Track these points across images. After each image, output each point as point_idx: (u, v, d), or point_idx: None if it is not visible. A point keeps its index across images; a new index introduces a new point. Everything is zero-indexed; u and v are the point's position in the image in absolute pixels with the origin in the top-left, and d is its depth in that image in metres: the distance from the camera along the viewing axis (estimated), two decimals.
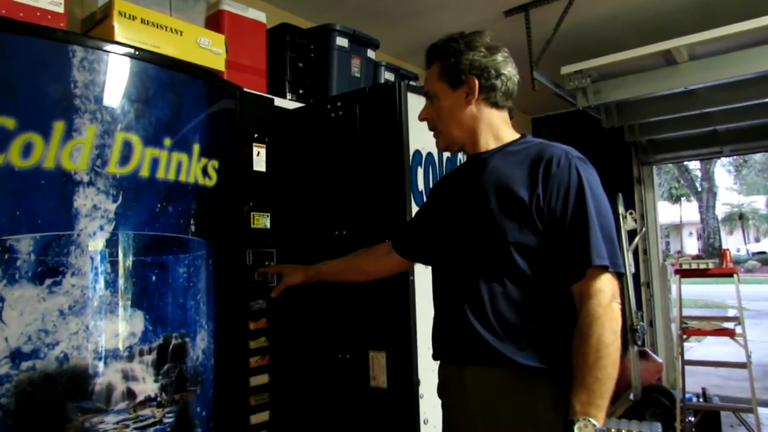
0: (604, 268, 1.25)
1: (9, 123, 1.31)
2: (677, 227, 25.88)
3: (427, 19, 3.45)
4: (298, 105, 2.32)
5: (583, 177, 1.31)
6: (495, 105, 1.45)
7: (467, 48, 1.42)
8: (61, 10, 1.44)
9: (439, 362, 1.49)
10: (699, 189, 21.43)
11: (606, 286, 1.25)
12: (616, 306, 1.25)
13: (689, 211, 24.18)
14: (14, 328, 1.28)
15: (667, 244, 25.06)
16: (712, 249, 20.46)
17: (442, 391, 1.50)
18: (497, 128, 1.46)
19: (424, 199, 1.88)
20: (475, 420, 1.36)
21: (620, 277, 1.30)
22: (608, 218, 1.31)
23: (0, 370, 1.27)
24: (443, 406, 1.51)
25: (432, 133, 1.54)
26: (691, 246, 25.39)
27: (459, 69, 1.42)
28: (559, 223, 1.29)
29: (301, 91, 2.56)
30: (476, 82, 1.41)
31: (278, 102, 2.26)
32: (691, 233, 26.19)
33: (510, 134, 1.47)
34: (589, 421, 1.17)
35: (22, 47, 1.35)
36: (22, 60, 1.35)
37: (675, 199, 24.12)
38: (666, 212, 23.53)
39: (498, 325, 1.30)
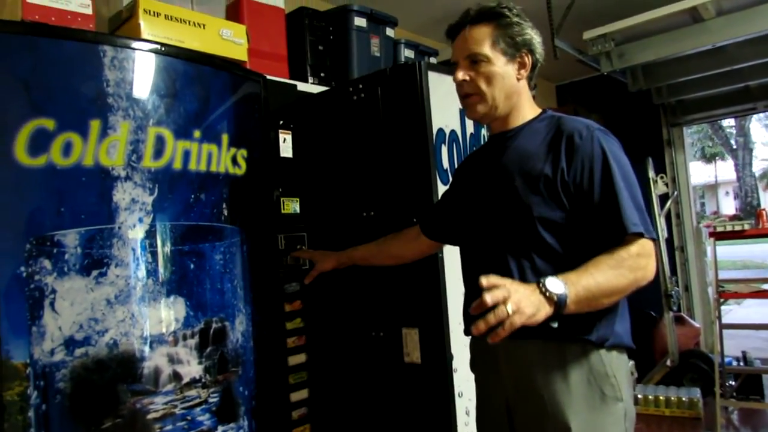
0: (640, 235, 1.25)
1: (49, 124, 1.37)
2: (712, 187, 25.22)
3: None
4: (320, 88, 2.35)
5: (607, 148, 1.31)
6: (529, 83, 1.47)
7: (524, 21, 1.42)
8: (89, 11, 1.49)
9: (470, 337, 1.52)
10: (734, 146, 20.81)
11: (645, 248, 1.26)
12: (652, 265, 1.26)
13: (725, 169, 23.50)
14: (66, 317, 1.37)
15: (702, 205, 24.48)
16: (750, 208, 19.91)
17: (474, 365, 1.54)
18: (527, 106, 1.47)
19: (450, 177, 1.89)
20: (508, 392, 1.40)
21: (655, 242, 1.30)
22: (636, 187, 1.32)
23: (56, 357, 1.35)
24: (476, 380, 1.55)
25: (461, 100, 1.49)
26: (728, 206, 24.73)
27: (520, 40, 1.41)
28: (587, 195, 1.30)
29: (322, 74, 2.58)
30: (529, 58, 1.42)
31: (301, 86, 2.29)
32: (727, 193, 25.49)
33: (534, 111, 1.48)
34: (561, 284, 1.17)
35: (56, 50, 1.41)
36: (57, 63, 1.41)
37: (709, 158, 23.46)
38: (700, 172, 22.93)
39: None
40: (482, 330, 1.10)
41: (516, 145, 1.42)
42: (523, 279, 1.32)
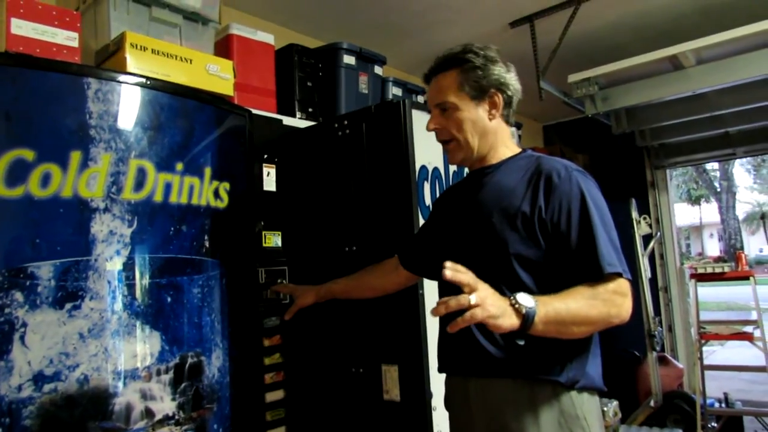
0: (617, 275, 1.26)
1: (28, 155, 1.37)
2: (697, 229, 25.53)
3: (434, 33, 3.49)
4: (308, 123, 2.37)
5: (585, 189, 1.33)
6: (506, 120, 1.49)
7: (489, 62, 1.43)
8: (75, 44, 1.50)
9: (445, 375, 1.51)
10: (718, 189, 21.15)
11: (621, 287, 1.26)
12: (628, 305, 1.26)
13: (709, 212, 23.84)
14: (36, 351, 1.34)
15: (688, 246, 24.72)
16: (733, 250, 20.13)
17: (447, 403, 1.53)
18: (505, 143, 1.49)
19: None
20: (480, 431, 1.38)
21: (631, 283, 1.30)
22: (612, 228, 1.33)
23: (23, 393, 1.32)
24: (449, 418, 1.53)
25: (442, 145, 1.52)
26: (713, 247, 25.02)
27: (485, 83, 1.42)
28: (564, 235, 1.30)
29: (310, 110, 2.61)
30: (500, 97, 1.44)
31: (288, 121, 2.31)
32: (711, 234, 25.81)
33: (513, 148, 1.50)
34: (532, 300, 1.16)
35: (39, 81, 1.41)
36: (40, 93, 1.41)
37: (694, 200, 23.80)
38: (685, 214, 23.22)
39: (500, 337, 1.31)
40: (441, 313, 1.11)
41: (494, 181, 1.44)
42: None
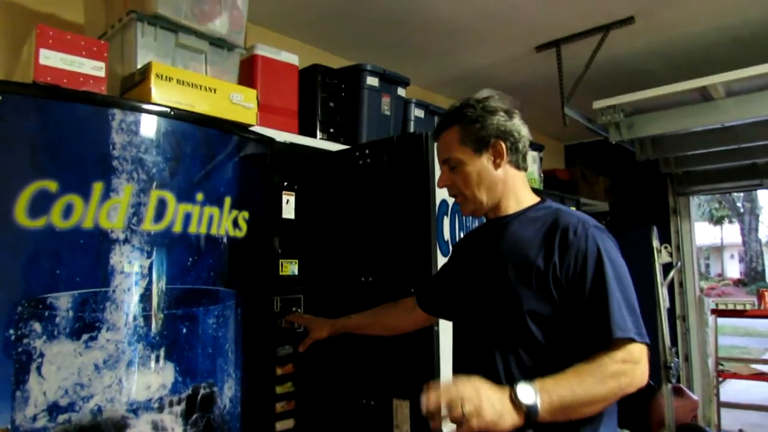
0: (629, 340, 1.23)
1: (52, 186, 1.38)
2: (718, 249, 25.11)
3: (459, 54, 3.49)
4: (328, 144, 2.37)
5: (601, 246, 1.30)
6: (517, 167, 1.47)
7: (488, 113, 1.43)
8: (102, 74, 1.51)
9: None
10: (741, 210, 20.80)
11: (633, 353, 1.22)
12: (641, 371, 1.23)
13: (731, 232, 23.44)
14: (52, 382, 1.34)
15: (707, 266, 24.32)
16: (754, 273, 19.78)
17: None
18: (519, 191, 1.47)
19: (450, 249, 1.89)
20: None
21: (648, 346, 1.27)
22: (629, 287, 1.29)
23: (38, 423, 1.32)
24: None
25: (455, 199, 1.54)
26: (733, 269, 24.57)
27: (485, 134, 1.42)
28: (577, 293, 1.28)
29: (331, 130, 2.60)
30: (503, 145, 1.43)
31: (310, 142, 2.31)
32: (732, 255, 25.35)
33: (529, 197, 1.49)
34: (533, 393, 1.14)
35: (64, 113, 1.42)
36: (65, 125, 1.42)
37: (716, 220, 23.43)
38: (706, 233, 22.87)
39: None
40: (438, 426, 1.09)
41: (512, 232, 1.42)
42: (509, 373, 1.31)
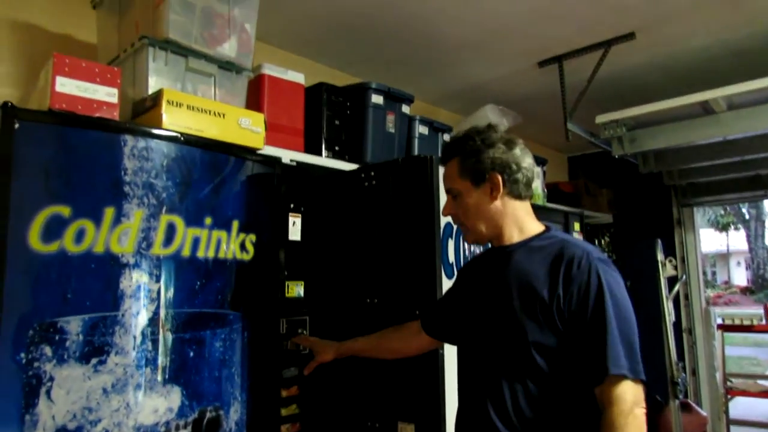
0: (621, 378, 1.24)
1: (65, 211, 1.40)
2: (724, 256, 24.98)
3: (462, 69, 3.51)
4: (333, 162, 2.39)
5: (603, 280, 1.31)
6: (518, 197, 1.48)
7: (486, 145, 1.44)
8: (115, 100, 1.54)
9: None
10: (746, 217, 20.73)
11: (626, 394, 1.24)
12: (639, 413, 1.24)
13: (737, 239, 23.32)
14: (61, 406, 1.36)
15: (714, 273, 24.21)
16: (761, 280, 19.67)
17: None
18: (522, 220, 1.48)
19: (454, 272, 1.91)
20: None
21: (643, 383, 1.28)
22: (628, 322, 1.31)
23: None
24: None
25: (457, 226, 1.57)
26: (740, 276, 24.43)
27: (481, 167, 1.44)
28: (578, 326, 1.30)
29: (336, 148, 2.63)
30: (499, 178, 1.44)
31: (314, 160, 2.33)
32: (739, 263, 25.20)
33: (534, 226, 1.49)
34: None
35: (78, 139, 1.46)
36: (78, 151, 1.45)
37: (722, 227, 23.33)
38: (712, 240, 22.75)
39: (518, 423, 1.31)
40: None
41: (516, 261, 1.43)
42: (515, 402, 1.32)
